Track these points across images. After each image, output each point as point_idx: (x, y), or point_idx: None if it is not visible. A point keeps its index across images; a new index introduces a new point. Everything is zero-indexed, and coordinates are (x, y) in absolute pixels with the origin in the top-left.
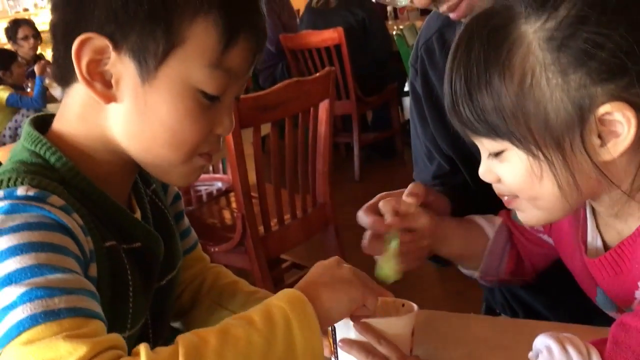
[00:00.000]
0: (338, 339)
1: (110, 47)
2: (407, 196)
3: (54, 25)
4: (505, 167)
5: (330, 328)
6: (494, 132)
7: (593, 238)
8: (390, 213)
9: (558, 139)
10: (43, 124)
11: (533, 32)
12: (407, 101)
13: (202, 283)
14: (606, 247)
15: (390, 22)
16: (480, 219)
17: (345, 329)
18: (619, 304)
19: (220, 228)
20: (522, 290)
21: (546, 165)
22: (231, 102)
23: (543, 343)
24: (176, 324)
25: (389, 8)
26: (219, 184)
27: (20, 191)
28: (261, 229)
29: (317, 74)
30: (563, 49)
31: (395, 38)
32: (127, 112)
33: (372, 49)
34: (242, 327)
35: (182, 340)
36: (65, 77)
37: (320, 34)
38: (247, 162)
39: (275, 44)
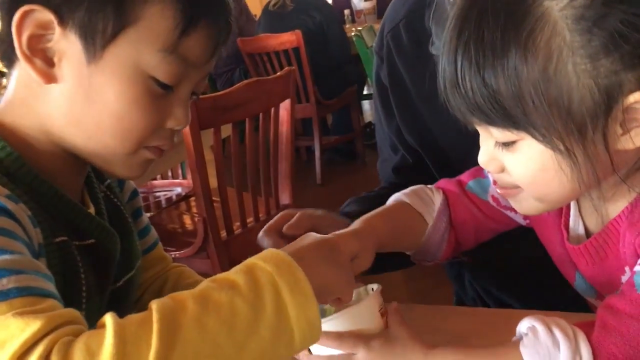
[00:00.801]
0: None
1: (55, 22)
2: (287, 227)
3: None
4: (517, 158)
5: None
6: (510, 122)
7: (575, 224)
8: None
9: (580, 129)
10: None
11: (559, 9)
12: (366, 104)
13: (163, 284)
14: (588, 233)
15: (347, 25)
16: (416, 200)
17: None
18: (600, 290)
19: (181, 233)
20: (494, 286)
21: (567, 157)
22: (188, 95)
23: (527, 324)
24: None
25: (346, 11)
26: (179, 189)
27: None
28: (223, 233)
29: (278, 74)
30: (595, 30)
31: (354, 39)
32: (69, 93)
33: (330, 52)
34: (225, 291)
35: (156, 305)
36: (7, 55)
37: (278, 37)
38: (208, 166)
39: (231, 47)
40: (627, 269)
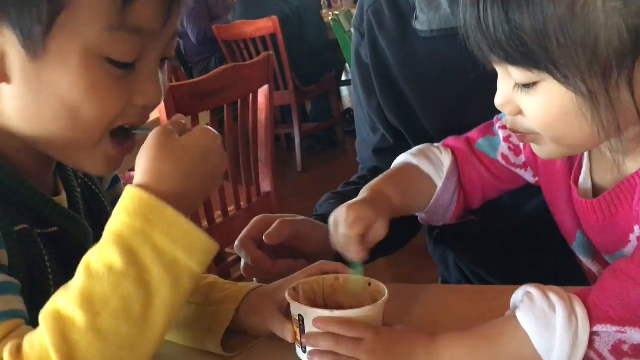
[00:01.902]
0: (306, 330)
1: None
2: (267, 236)
3: None
4: (535, 101)
5: (296, 317)
6: (531, 61)
7: (585, 180)
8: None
9: (605, 71)
10: None
11: None
12: (345, 90)
13: None
14: (595, 190)
15: (324, 11)
16: (424, 163)
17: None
18: (601, 249)
19: None
20: (479, 266)
21: (589, 101)
22: (155, 67)
23: (522, 291)
24: None
25: None
26: None
27: None
28: (204, 222)
29: (255, 59)
30: None
31: (331, 24)
32: (19, 93)
33: (308, 38)
34: (106, 279)
35: (46, 335)
36: None
37: (254, 23)
38: None
39: (204, 34)
40: (636, 227)
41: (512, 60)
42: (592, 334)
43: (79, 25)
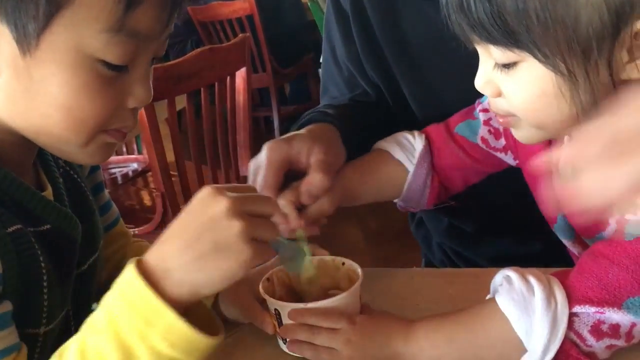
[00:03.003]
0: (283, 323)
1: None
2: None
3: None
4: (516, 82)
5: (273, 311)
6: (512, 40)
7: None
8: (294, 214)
9: (585, 51)
10: None
11: None
12: None
13: (122, 259)
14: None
15: None
16: (395, 148)
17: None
18: (582, 232)
19: (140, 210)
20: (462, 246)
21: (568, 81)
22: (147, 69)
23: (501, 275)
24: (93, 305)
25: None
26: (135, 165)
27: None
28: (183, 207)
29: (232, 41)
30: None
31: (309, 4)
32: (8, 88)
33: (285, 19)
34: None
35: None
36: None
37: (231, 4)
38: (163, 140)
39: (183, 16)
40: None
41: (493, 39)
42: (572, 315)
43: (76, 26)
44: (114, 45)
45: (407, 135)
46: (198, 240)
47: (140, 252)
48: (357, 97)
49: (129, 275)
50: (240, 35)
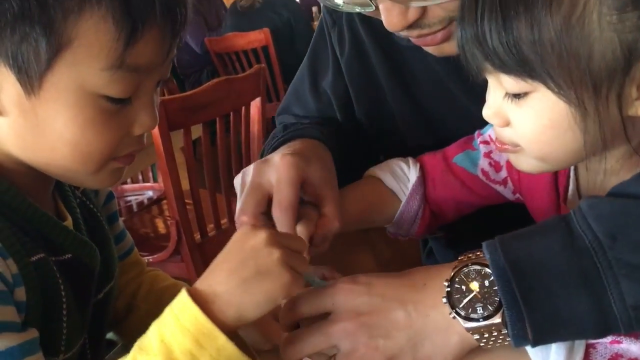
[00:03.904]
0: None
1: None
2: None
3: None
4: (525, 112)
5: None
6: (526, 69)
7: (573, 197)
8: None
9: (596, 84)
10: None
11: None
12: None
13: (138, 288)
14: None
15: (315, 23)
16: (388, 178)
17: None
18: None
19: (154, 237)
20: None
21: (578, 115)
22: (150, 97)
23: None
24: (108, 334)
25: (313, 9)
26: (150, 193)
27: None
28: (197, 235)
29: (247, 72)
30: None
31: None
32: (16, 126)
33: (299, 50)
34: None
35: None
36: None
37: (246, 35)
38: (179, 168)
39: (200, 46)
40: None
41: (506, 68)
42: (589, 347)
43: (77, 65)
44: (116, 81)
45: (402, 164)
46: (242, 267)
47: (155, 281)
48: (322, 121)
49: (182, 300)
50: (256, 66)
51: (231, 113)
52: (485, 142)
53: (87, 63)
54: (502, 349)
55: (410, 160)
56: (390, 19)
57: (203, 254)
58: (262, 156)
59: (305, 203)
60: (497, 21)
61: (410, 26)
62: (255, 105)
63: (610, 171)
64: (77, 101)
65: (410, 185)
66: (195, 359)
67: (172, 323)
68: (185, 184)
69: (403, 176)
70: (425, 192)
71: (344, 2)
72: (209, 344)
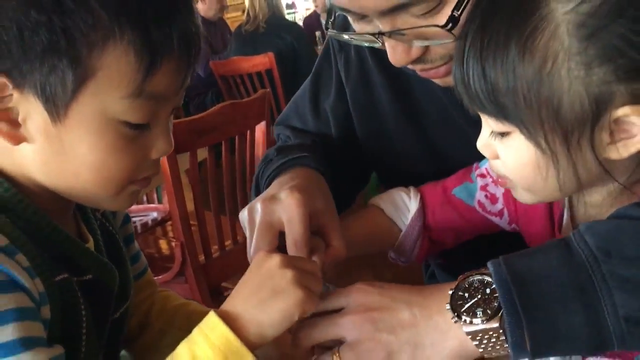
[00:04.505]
0: None
1: (10, 86)
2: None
3: None
4: (507, 149)
5: None
6: (502, 115)
7: (567, 227)
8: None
9: (567, 131)
10: None
11: (563, 12)
12: None
13: (150, 307)
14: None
15: (319, 47)
16: (389, 207)
17: None
18: None
19: (158, 258)
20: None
21: (550, 158)
22: (166, 123)
23: None
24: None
25: (317, 33)
26: (154, 214)
27: None
28: (201, 257)
29: (253, 96)
30: (593, 40)
31: None
32: (41, 151)
33: (302, 73)
34: None
35: None
36: None
37: (251, 59)
38: (184, 190)
39: (205, 69)
40: None
41: (487, 111)
42: None
43: (100, 94)
44: (135, 108)
45: (403, 195)
46: (259, 289)
47: (167, 300)
48: (317, 137)
49: (212, 320)
50: (261, 90)
51: (236, 136)
52: (482, 175)
53: (109, 92)
54: None
55: (412, 190)
56: (395, 55)
57: (207, 275)
58: (257, 180)
59: (312, 234)
60: (477, 68)
61: (414, 61)
62: (260, 129)
63: (602, 204)
64: (99, 127)
65: (410, 215)
66: None
67: (202, 341)
68: (190, 206)
69: (403, 206)
70: (425, 222)
71: (350, 37)
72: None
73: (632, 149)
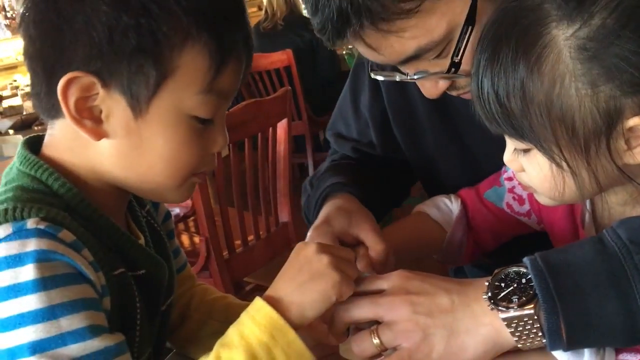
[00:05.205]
0: None
1: (98, 85)
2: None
3: (30, 57)
4: (530, 163)
5: None
6: (519, 135)
7: (589, 225)
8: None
9: (583, 145)
10: (35, 145)
11: (564, 38)
12: None
13: (190, 299)
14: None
15: None
16: (434, 211)
17: None
18: None
19: None
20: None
21: (569, 173)
22: (224, 118)
23: None
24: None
25: None
26: (177, 210)
27: (30, 224)
28: (225, 252)
29: (275, 94)
30: (595, 60)
31: (345, 57)
32: (121, 147)
33: (320, 69)
34: None
35: None
36: (50, 111)
37: (269, 56)
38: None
39: None
40: None
41: (504, 132)
42: None
43: (177, 90)
44: (205, 104)
45: (445, 199)
46: (298, 273)
47: (206, 293)
48: (361, 146)
49: (257, 303)
50: (282, 88)
51: (259, 134)
52: (509, 179)
53: (185, 88)
54: (534, 356)
55: (452, 195)
56: (425, 90)
57: (230, 270)
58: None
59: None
60: (492, 95)
61: (447, 89)
62: (282, 126)
63: (623, 202)
64: (175, 121)
65: (454, 216)
66: (270, 350)
67: (249, 322)
68: (213, 202)
69: (447, 209)
70: (468, 222)
71: (385, 77)
72: (281, 338)
73: None
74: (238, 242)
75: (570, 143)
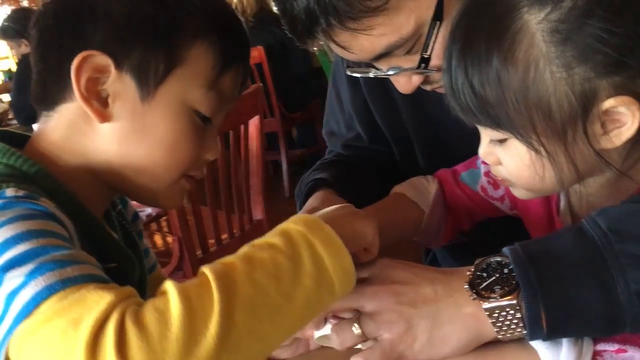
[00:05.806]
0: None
1: (112, 66)
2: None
3: (42, 45)
4: (507, 154)
5: None
6: (496, 124)
7: (565, 212)
8: None
9: (560, 130)
10: (13, 140)
11: (536, 22)
12: None
13: None
14: (575, 220)
15: None
16: (411, 192)
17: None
18: None
19: (155, 254)
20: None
21: (547, 158)
22: (220, 124)
23: None
24: None
25: None
26: (149, 210)
27: (9, 192)
28: (199, 251)
29: (246, 92)
30: (568, 42)
31: (317, 53)
32: (121, 130)
33: (292, 66)
34: (266, 250)
35: (208, 268)
36: (49, 99)
37: None
38: None
39: None
40: None
41: (480, 122)
42: (595, 354)
43: (184, 80)
44: (207, 99)
45: (422, 179)
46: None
47: None
48: (350, 141)
49: (293, 216)
50: (253, 85)
51: (230, 131)
52: (485, 162)
53: (191, 80)
54: (514, 349)
55: (429, 176)
56: (400, 86)
57: None
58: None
59: None
60: (466, 85)
61: (420, 84)
62: (254, 123)
63: (599, 188)
64: (178, 110)
65: (431, 196)
66: (308, 238)
67: (282, 224)
68: (185, 201)
69: (424, 189)
70: (445, 202)
71: (361, 74)
72: (318, 231)
73: (624, 137)
74: (212, 241)
75: (547, 128)
